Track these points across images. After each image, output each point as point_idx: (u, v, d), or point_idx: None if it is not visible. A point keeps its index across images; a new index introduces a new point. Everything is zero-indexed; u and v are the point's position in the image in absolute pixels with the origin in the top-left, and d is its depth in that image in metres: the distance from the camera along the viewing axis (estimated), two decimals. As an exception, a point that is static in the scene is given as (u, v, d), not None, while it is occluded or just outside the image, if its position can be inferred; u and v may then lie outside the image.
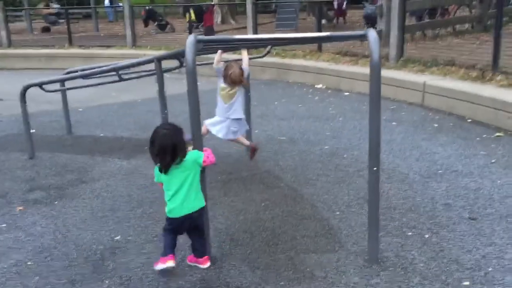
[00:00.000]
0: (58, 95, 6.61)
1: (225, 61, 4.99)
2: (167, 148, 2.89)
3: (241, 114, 4.72)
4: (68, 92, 6.63)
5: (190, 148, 3.04)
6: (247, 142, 4.98)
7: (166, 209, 3.02)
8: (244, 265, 3.18)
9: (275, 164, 5.04)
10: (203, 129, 4.49)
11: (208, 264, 3.16)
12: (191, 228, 3.07)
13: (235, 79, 4.48)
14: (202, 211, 3.08)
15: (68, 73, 6.00)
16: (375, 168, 2.95)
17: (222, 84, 4.60)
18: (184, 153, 2.95)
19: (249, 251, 3.35)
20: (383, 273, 3.02)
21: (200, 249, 3.15)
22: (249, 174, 4.81)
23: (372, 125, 2.90)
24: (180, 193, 2.97)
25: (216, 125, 4.71)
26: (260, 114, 7.06)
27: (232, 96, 4.60)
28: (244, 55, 4.65)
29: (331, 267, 3.12)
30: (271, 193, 4.32)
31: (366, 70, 8.45)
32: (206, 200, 3.13)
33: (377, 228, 3.12)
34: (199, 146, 3.08)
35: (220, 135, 4.73)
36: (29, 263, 3.30)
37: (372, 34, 2.80)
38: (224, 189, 4.44)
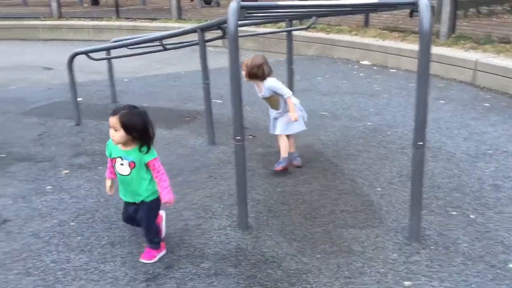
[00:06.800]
0: (105, 66, 6.73)
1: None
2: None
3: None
4: (115, 63, 6.73)
5: None
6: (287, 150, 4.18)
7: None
8: (281, 236, 3.16)
9: (315, 139, 4.97)
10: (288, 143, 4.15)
11: None
12: None
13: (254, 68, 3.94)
14: None
15: (114, 42, 6.07)
16: (420, 143, 2.83)
17: (259, 94, 4.15)
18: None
19: (286, 223, 3.32)
20: (424, 251, 2.93)
21: None
22: (289, 147, 4.75)
23: (420, 96, 2.77)
24: None
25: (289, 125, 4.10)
26: (303, 89, 6.95)
27: (277, 101, 4.10)
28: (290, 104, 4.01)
29: (370, 242, 3.05)
30: (311, 167, 4.25)
31: (415, 46, 8.15)
32: (245, 172, 3.12)
33: (419, 205, 3.01)
34: (238, 119, 3.05)
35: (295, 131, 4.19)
36: (72, 223, 3.40)
37: (422, 0, 2.65)
38: (263, 161, 4.41)
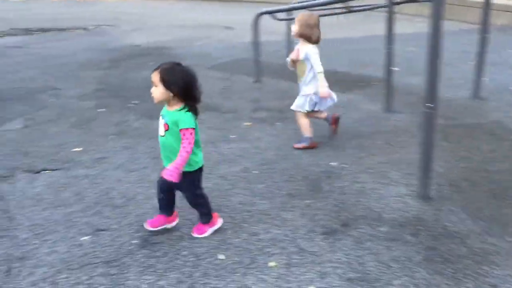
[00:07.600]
0: (282, 27, 6.92)
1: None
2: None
3: (309, 90, 3.99)
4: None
5: None
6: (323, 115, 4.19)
7: (197, 159, 2.73)
8: (464, 213, 2.98)
9: (505, 116, 4.53)
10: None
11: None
12: None
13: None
14: None
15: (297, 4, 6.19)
16: None
17: (291, 54, 4.05)
18: None
19: (471, 200, 3.13)
20: None
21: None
22: (475, 122, 4.43)
23: None
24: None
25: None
26: (491, 62, 6.30)
27: (303, 70, 3.99)
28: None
29: None
30: (500, 145, 3.91)
31: None
32: (432, 141, 2.98)
33: None
34: (433, 86, 2.89)
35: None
36: (254, 171, 3.64)
37: None
38: (445, 134, 4.17)
